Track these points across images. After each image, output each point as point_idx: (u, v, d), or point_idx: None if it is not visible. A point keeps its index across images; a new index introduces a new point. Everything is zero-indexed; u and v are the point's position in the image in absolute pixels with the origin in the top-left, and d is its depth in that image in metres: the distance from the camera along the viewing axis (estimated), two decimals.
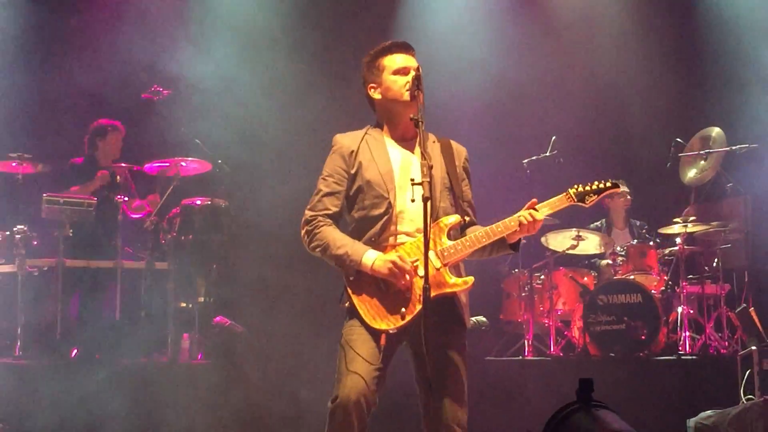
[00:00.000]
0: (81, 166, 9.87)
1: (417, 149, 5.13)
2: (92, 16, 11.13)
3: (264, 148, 10.60)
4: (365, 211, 5.14)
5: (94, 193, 9.55)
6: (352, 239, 5.10)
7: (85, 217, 9.26)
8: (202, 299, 9.52)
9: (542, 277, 10.10)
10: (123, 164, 9.70)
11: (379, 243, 5.07)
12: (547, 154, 10.08)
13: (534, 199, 5.06)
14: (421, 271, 4.84)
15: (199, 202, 9.54)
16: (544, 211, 5.05)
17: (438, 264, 4.97)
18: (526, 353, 9.69)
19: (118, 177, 9.59)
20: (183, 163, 9.67)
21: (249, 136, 10.52)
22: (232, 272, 9.80)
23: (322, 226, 5.14)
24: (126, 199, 9.47)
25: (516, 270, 10.31)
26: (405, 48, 5.27)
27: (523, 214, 5.03)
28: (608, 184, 5.18)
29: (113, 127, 9.99)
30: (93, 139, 9.98)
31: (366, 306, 5.02)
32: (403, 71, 5.17)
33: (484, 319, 9.87)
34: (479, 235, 5.04)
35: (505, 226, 5.03)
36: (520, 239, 5.17)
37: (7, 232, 9.10)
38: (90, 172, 9.79)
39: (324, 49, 10.94)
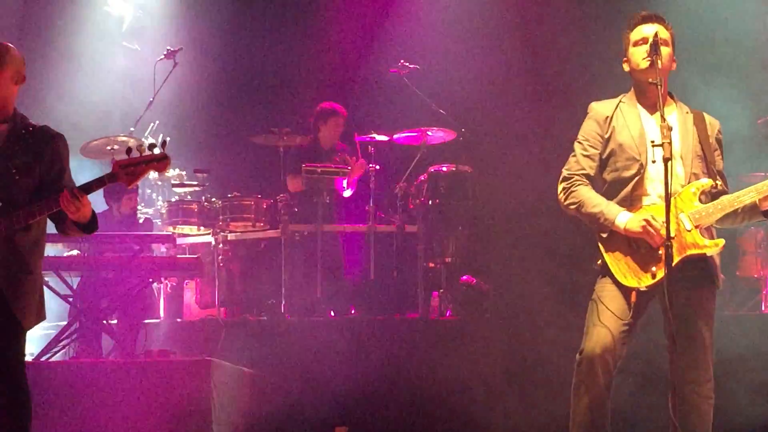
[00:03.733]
0: (305, 149, 10.02)
1: (668, 114, 5.17)
2: None
3: (504, 116, 10.49)
4: (617, 173, 5.33)
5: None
6: (606, 200, 5.27)
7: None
8: (449, 259, 9.67)
9: None
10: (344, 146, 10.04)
11: (631, 203, 5.25)
12: None
13: None
14: (672, 232, 4.92)
15: (445, 169, 9.70)
16: None
17: (690, 226, 5.11)
18: (763, 308, 9.63)
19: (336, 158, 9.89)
20: (429, 133, 9.90)
21: (489, 106, 10.56)
22: (478, 234, 9.85)
23: (578, 185, 5.35)
24: (378, 167, 9.76)
25: (752, 227, 10.08)
26: (645, 19, 5.39)
27: None
28: None
29: (333, 111, 10.10)
30: (316, 123, 10.12)
31: (618, 264, 5.20)
32: (642, 41, 5.29)
33: (721, 275, 9.81)
34: (730, 198, 5.16)
35: (757, 191, 5.14)
36: None
37: (272, 201, 9.53)
38: (313, 155, 9.91)
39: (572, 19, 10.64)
